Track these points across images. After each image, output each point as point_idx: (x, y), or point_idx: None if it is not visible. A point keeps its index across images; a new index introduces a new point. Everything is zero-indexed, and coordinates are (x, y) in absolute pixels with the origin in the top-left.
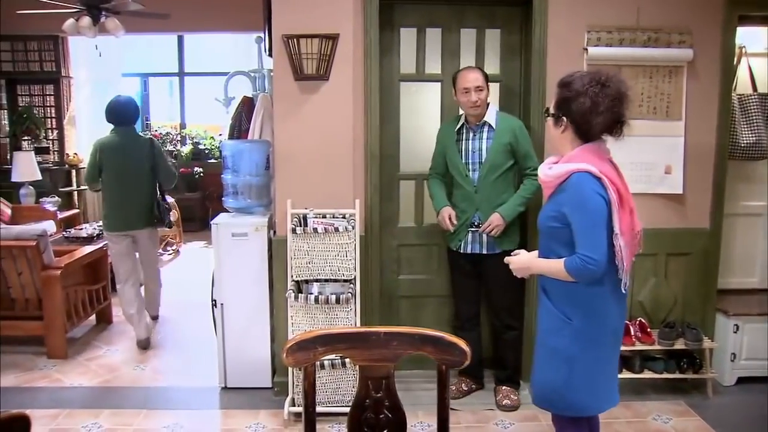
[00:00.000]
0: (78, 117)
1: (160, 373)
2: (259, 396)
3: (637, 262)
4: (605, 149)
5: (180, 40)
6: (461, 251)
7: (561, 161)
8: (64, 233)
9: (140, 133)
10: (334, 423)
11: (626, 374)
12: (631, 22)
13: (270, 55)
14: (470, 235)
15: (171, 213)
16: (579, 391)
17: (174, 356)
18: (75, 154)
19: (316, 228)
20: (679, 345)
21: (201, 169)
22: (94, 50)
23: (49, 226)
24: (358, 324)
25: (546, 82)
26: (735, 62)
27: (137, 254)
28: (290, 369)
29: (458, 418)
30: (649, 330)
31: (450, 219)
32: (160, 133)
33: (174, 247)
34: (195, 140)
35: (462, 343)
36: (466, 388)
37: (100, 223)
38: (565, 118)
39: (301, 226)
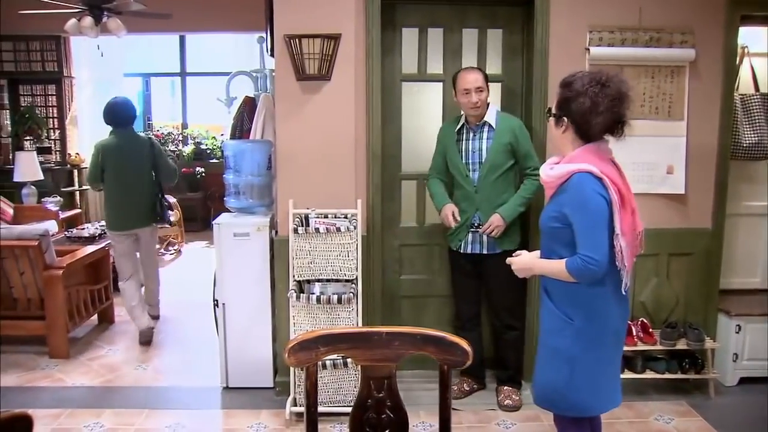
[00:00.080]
0: (80, 117)
1: (162, 373)
2: (261, 396)
3: (639, 262)
4: (607, 149)
5: (182, 40)
6: (461, 251)
7: (562, 161)
8: (66, 233)
9: (139, 133)
10: (335, 423)
11: (628, 374)
12: (633, 22)
13: (272, 55)
14: (470, 235)
15: (171, 211)
16: (580, 391)
17: (176, 356)
18: (77, 154)
19: (318, 228)
20: (681, 345)
21: (203, 169)
22: (96, 50)
23: (51, 225)
24: (360, 324)
25: (548, 82)
26: (737, 62)
27: (143, 253)
28: (292, 369)
29: (460, 418)
30: (651, 330)
31: (453, 215)
32: (162, 133)
33: (176, 247)
34: (197, 140)
35: (464, 343)
36: (467, 388)
37: (102, 222)
38: (565, 119)
39: (302, 226)
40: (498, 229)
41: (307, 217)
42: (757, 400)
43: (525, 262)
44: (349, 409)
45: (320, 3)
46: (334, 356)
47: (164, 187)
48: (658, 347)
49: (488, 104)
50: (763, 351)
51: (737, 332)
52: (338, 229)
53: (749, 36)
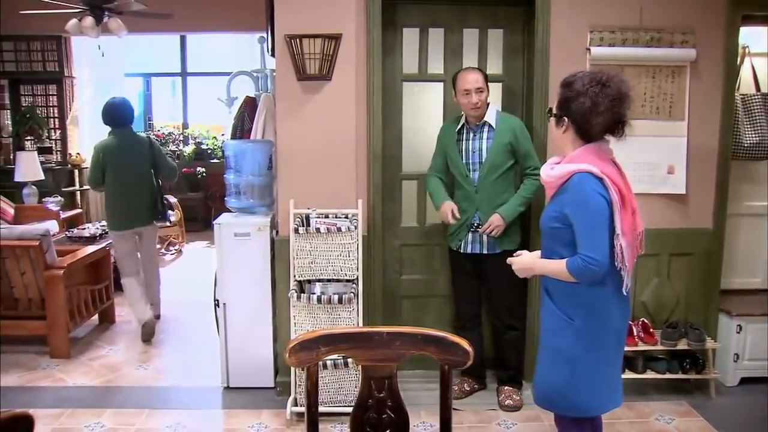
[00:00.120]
0: (81, 117)
1: (163, 373)
2: (262, 396)
3: (640, 263)
4: (607, 149)
5: (183, 40)
6: (462, 251)
7: (563, 162)
8: (66, 233)
9: (138, 133)
10: (336, 423)
11: (629, 374)
12: (634, 21)
13: (273, 55)
14: (470, 235)
15: (172, 211)
16: (581, 391)
17: (176, 356)
18: (78, 153)
19: (319, 228)
20: (682, 345)
21: (203, 169)
22: (97, 50)
23: (52, 225)
24: (361, 324)
25: (548, 82)
26: (738, 62)
27: (142, 250)
28: (293, 369)
29: (461, 418)
30: (651, 330)
31: (453, 213)
32: (163, 133)
33: (177, 247)
34: (197, 140)
35: (465, 343)
36: (468, 388)
37: (103, 222)
38: (566, 119)
39: (303, 226)
40: (498, 228)
41: (307, 217)
42: (758, 400)
43: (526, 262)
44: (349, 409)
45: (321, 3)
46: (335, 356)
47: (164, 186)
48: (659, 347)
49: (488, 104)
50: (764, 351)
51: (738, 332)
52: (339, 229)
53: (750, 36)
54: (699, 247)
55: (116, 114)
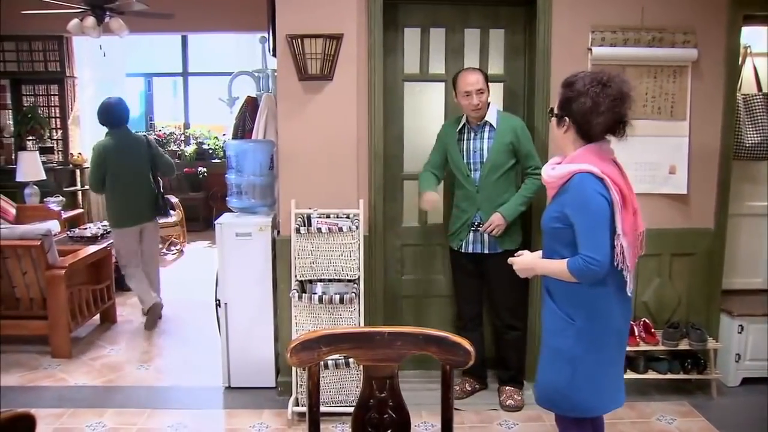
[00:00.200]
0: (82, 117)
1: (164, 373)
2: (263, 396)
3: (641, 263)
4: (608, 149)
5: (184, 40)
6: (463, 251)
7: (564, 162)
8: (68, 233)
9: (134, 132)
10: (337, 423)
11: (630, 374)
12: (636, 21)
13: (274, 55)
14: (472, 234)
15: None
16: (582, 391)
17: (178, 356)
18: (79, 153)
19: (320, 228)
20: (684, 345)
21: (205, 169)
22: (98, 50)
23: (54, 225)
24: (362, 324)
25: (550, 82)
26: (740, 62)
27: (144, 245)
28: (294, 369)
29: (462, 418)
30: (653, 330)
31: (433, 203)
32: (164, 133)
33: (178, 247)
34: (199, 140)
35: (466, 343)
36: (469, 388)
37: (105, 222)
38: (567, 119)
39: (305, 226)
40: (499, 228)
41: (309, 217)
42: (759, 400)
43: (527, 262)
44: (351, 409)
45: (322, 3)
46: (336, 356)
47: (164, 185)
48: (661, 347)
49: (489, 104)
50: (766, 351)
51: (740, 332)
52: (340, 229)
53: (752, 36)
54: (700, 247)
55: (113, 114)
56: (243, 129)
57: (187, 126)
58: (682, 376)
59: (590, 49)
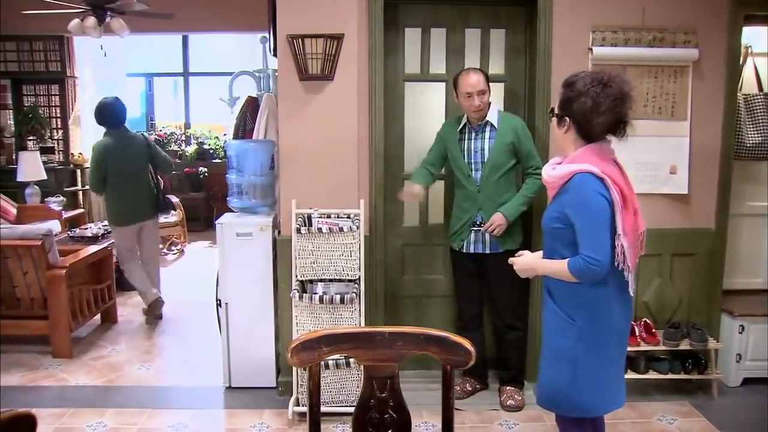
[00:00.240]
0: (83, 117)
1: (165, 373)
2: (264, 396)
3: (642, 263)
4: (609, 149)
5: (185, 40)
6: (464, 251)
7: (564, 162)
8: (69, 233)
9: (132, 131)
10: (338, 423)
11: (631, 375)
12: (636, 21)
13: (275, 55)
14: (473, 234)
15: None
16: (583, 391)
17: (178, 356)
18: (80, 153)
19: (321, 228)
20: (684, 345)
21: (205, 169)
22: (99, 50)
23: (54, 225)
24: (363, 324)
25: (551, 82)
26: (741, 62)
27: (144, 242)
28: (295, 369)
29: (463, 418)
30: (654, 330)
31: (414, 193)
32: (165, 133)
33: (179, 247)
34: (199, 140)
35: (467, 343)
36: (470, 389)
37: (105, 222)
38: (567, 119)
39: (305, 226)
40: (500, 227)
41: (309, 217)
42: (760, 400)
43: (527, 262)
44: (351, 409)
45: (323, 3)
46: (337, 356)
47: (163, 182)
48: (661, 348)
49: (489, 104)
50: (767, 351)
51: (740, 332)
52: (341, 229)
53: (753, 36)
54: (701, 247)
55: (111, 114)
56: (244, 129)
57: (187, 126)
58: (682, 376)
59: (591, 49)
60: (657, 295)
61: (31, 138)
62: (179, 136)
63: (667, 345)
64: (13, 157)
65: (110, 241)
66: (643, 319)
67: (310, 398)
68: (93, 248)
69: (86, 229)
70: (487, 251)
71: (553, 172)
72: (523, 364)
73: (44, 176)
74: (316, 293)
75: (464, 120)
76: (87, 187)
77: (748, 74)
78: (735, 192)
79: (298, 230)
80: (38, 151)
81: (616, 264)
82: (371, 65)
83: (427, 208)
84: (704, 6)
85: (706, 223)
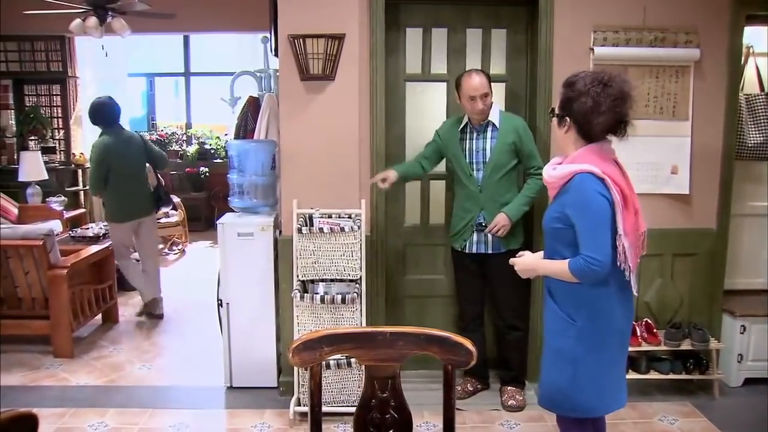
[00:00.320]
0: (84, 117)
1: (166, 373)
2: (265, 396)
3: (643, 263)
4: (609, 149)
5: (186, 40)
6: (466, 251)
7: (565, 162)
8: (70, 233)
9: (127, 130)
10: (339, 423)
11: (632, 375)
12: (638, 21)
13: (276, 55)
14: (475, 234)
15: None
16: (584, 392)
17: (180, 356)
18: (81, 153)
19: (322, 228)
20: (686, 346)
21: (207, 169)
22: (101, 50)
23: (56, 225)
24: (364, 324)
25: (552, 82)
26: (742, 62)
27: (142, 239)
28: (296, 369)
29: (464, 419)
30: (655, 330)
31: (384, 180)
32: (166, 133)
33: (180, 247)
34: (201, 140)
35: (468, 343)
36: (471, 389)
37: (106, 222)
38: (568, 119)
39: (306, 225)
40: (504, 228)
41: (311, 217)
42: (761, 401)
43: (528, 262)
44: (353, 409)
45: (324, 3)
46: (338, 356)
47: (161, 179)
48: (663, 348)
49: (491, 104)
50: None
51: (742, 333)
52: (342, 229)
53: (754, 36)
54: (702, 247)
55: (106, 113)
56: (245, 129)
57: (189, 126)
58: (684, 376)
59: (592, 49)
60: (658, 295)
61: (32, 138)
62: (180, 136)
63: (668, 345)
64: (15, 157)
65: (111, 241)
66: (645, 319)
67: (312, 398)
68: (94, 248)
69: (87, 229)
70: (489, 251)
71: (553, 172)
72: (524, 365)
73: (45, 176)
74: (317, 293)
75: (465, 119)
76: (88, 187)
77: (749, 74)
78: (736, 192)
79: (300, 230)
80: (39, 151)
81: (618, 264)
82: (372, 65)
83: (428, 208)
84: (705, 6)
85: (707, 224)
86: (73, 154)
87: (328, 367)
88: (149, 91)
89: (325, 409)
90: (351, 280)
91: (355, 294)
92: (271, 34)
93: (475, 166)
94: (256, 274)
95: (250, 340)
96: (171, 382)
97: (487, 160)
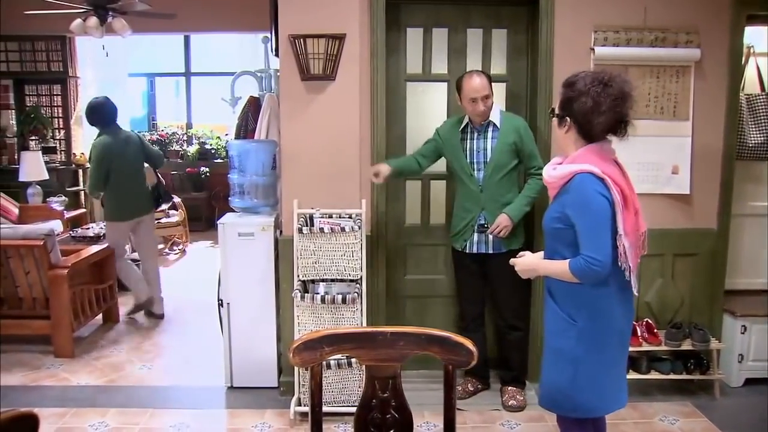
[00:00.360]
0: (85, 117)
1: (167, 373)
2: (265, 396)
3: (644, 263)
4: (610, 149)
5: (186, 40)
6: (467, 251)
7: (565, 162)
8: (71, 233)
9: (124, 130)
10: (340, 423)
11: (633, 375)
12: (638, 21)
13: (276, 55)
14: (476, 235)
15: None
16: (584, 392)
17: (180, 356)
18: (82, 153)
19: (323, 228)
20: (686, 346)
21: (207, 169)
22: (101, 50)
23: (56, 225)
24: (364, 324)
25: (552, 82)
26: (743, 62)
27: (141, 238)
28: (296, 369)
29: (464, 419)
30: (655, 331)
31: (378, 174)
32: (167, 133)
33: (180, 247)
34: (201, 140)
35: (468, 344)
36: (472, 389)
37: (106, 222)
38: (568, 119)
39: (307, 225)
40: (506, 229)
41: (311, 217)
42: (762, 401)
43: (528, 263)
44: (353, 409)
45: (325, 3)
46: (339, 356)
47: (161, 178)
48: (663, 348)
49: (492, 104)
50: None
51: (742, 333)
52: (343, 229)
53: (755, 36)
54: (703, 247)
55: (106, 114)
56: (245, 129)
57: (189, 126)
58: (684, 376)
59: (593, 49)
60: (659, 295)
61: (33, 138)
62: (181, 136)
63: (669, 345)
64: (16, 157)
65: (106, 241)
66: (645, 319)
67: (312, 398)
68: (95, 248)
69: (88, 228)
70: (490, 251)
71: (553, 172)
72: (524, 365)
73: (46, 176)
74: (317, 293)
75: (466, 120)
76: (85, 187)
77: (750, 74)
78: (737, 192)
79: (300, 230)
80: (40, 151)
81: (620, 264)
82: (373, 65)
83: (428, 208)
84: (706, 6)
85: (708, 224)
86: (74, 154)
87: (328, 367)
88: (150, 91)
89: (325, 409)
90: (351, 280)
91: (356, 294)
92: (271, 34)
93: (476, 166)
94: (257, 274)
95: (250, 340)
96: (171, 382)
97: (488, 160)
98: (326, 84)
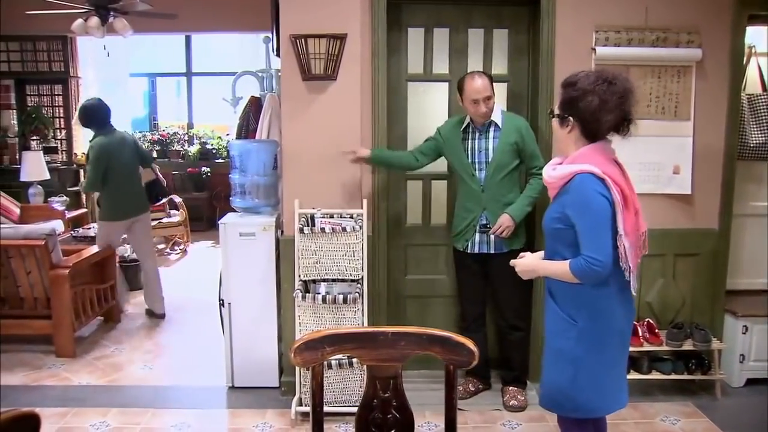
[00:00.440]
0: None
1: (168, 372)
2: (267, 396)
3: (645, 263)
4: (610, 149)
5: (187, 40)
6: (468, 251)
7: (565, 162)
8: (72, 233)
9: (119, 130)
10: (341, 423)
11: (634, 375)
12: (640, 21)
13: (277, 55)
14: (478, 235)
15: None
16: (585, 392)
17: (181, 355)
18: (83, 153)
19: (324, 228)
20: (688, 346)
21: (208, 169)
22: (102, 50)
23: (58, 225)
24: (366, 324)
25: (554, 82)
26: (744, 62)
27: (138, 237)
28: (297, 369)
29: (465, 419)
30: (657, 331)
31: (356, 154)
32: (168, 133)
33: (181, 247)
34: (202, 140)
35: (470, 344)
36: (473, 389)
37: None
38: (571, 118)
39: (308, 225)
40: (508, 230)
41: (312, 217)
42: (763, 401)
43: (529, 263)
44: (354, 409)
45: (326, 3)
46: (340, 356)
47: (167, 184)
48: (664, 348)
49: (493, 105)
50: None
51: (744, 333)
52: (344, 229)
53: (756, 36)
54: (704, 247)
55: (97, 115)
56: (247, 129)
57: (190, 126)
58: (686, 376)
59: (594, 49)
60: (660, 295)
61: (34, 138)
62: (182, 136)
63: (670, 345)
64: (17, 156)
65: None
66: (647, 320)
67: (313, 398)
68: (96, 248)
69: (89, 228)
70: (492, 251)
71: (553, 172)
72: (525, 365)
73: (47, 176)
74: (319, 293)
75: (467, 120)
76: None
77: (751, 74)
78: (738, 192)
79: (301, 230)
80: (41, 151)
81: (620, 264)
82: (374, 65)
83: (430, 208)
84: (707, 6)
85: (709, 224)
86: (75, 154)
87: (329, 367)
88: (151, 91)
89: (326, 409)
90: (353, 280)
91: (357, 294)
92: (272, 34)
93: (477, 166)
94: (258, 274)
95: (251, 340)
96: (172, 381)
97: (489, 160)
98: (327, 84)
